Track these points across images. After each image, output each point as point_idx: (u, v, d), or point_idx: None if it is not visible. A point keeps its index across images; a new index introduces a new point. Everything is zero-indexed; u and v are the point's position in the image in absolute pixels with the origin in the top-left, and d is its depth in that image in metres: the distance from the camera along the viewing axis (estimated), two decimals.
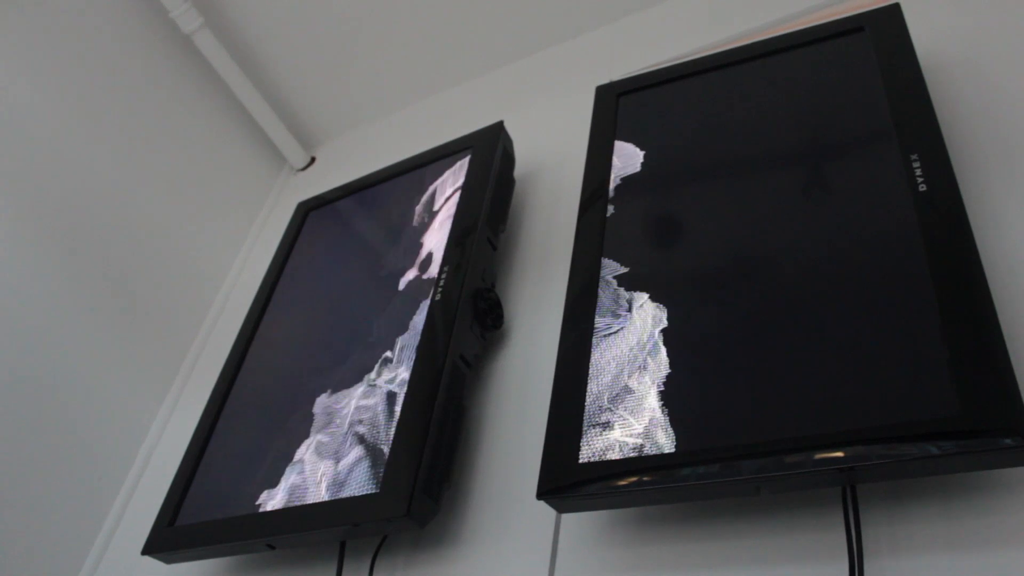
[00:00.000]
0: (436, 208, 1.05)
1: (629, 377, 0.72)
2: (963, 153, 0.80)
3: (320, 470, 0.85)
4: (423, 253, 1.00)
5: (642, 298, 0.78)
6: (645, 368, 0.72)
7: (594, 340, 0.77)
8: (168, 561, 0.93)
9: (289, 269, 1.17)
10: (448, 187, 1.07)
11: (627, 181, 0.90)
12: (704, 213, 0.83)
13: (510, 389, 0.92)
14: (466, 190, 1.03)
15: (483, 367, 0.96)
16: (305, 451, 0.88)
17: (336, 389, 0.92)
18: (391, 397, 0.86)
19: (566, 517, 0.77)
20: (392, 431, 0.82)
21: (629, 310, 0.77)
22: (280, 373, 1.01)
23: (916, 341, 0.61)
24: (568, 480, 0.68)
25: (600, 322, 0.78)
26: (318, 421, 0.90)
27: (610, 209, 0.88)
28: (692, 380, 0.69)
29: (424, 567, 0.82)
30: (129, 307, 1.30)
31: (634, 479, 0.65)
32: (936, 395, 0.58)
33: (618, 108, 1.00)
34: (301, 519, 0.81)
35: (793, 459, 0.60)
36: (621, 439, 0.68)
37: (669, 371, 0.71)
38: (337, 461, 0.84)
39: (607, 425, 0.70)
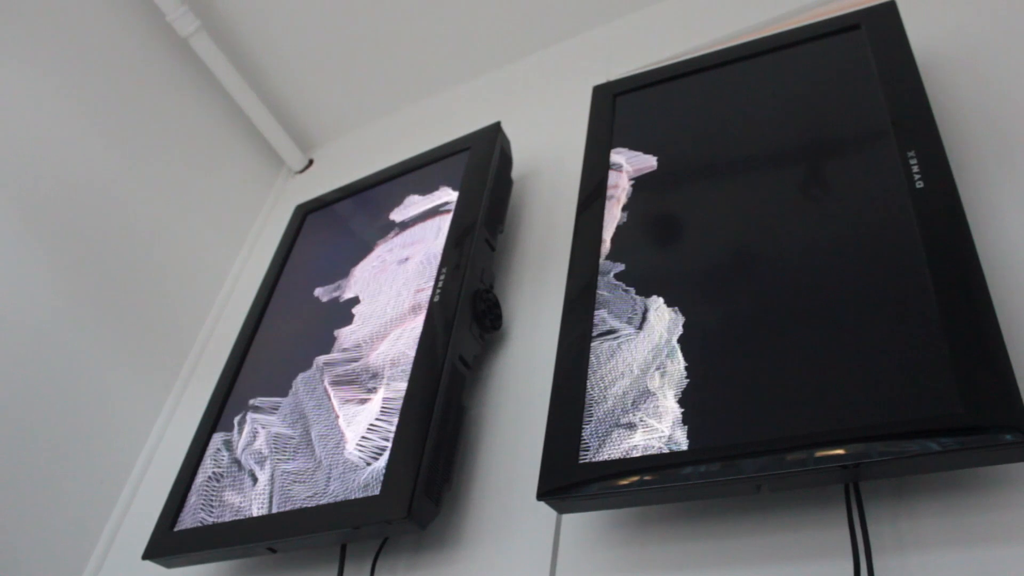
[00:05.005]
0: (434, 209, 1.05)
1: (625, 377, 0.72)
2: (960, 149, 0.80)
3: (320, 472, 0.84)
4: (421, 254, 1.00)
5: (651, 302, 0.78)
6: (644, 368, 0.72)
7: (594, 340, 0.77)
8: (169, 565, 0.93)
9: (288, 271, 1.17)
10: (446, 188, 1.07)
11: (623, 182, 0.90)
12: (701, 213, 0.83)
13: (509, 390, 0.92)
14: (464, 191, 1.03)
15: (482, 368, 0.96)
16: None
17: (335, 391, 0.92)
18: (390, 399, 0.86)
19: (567, 517, 0.77)
20: (392, 433, 0.82)
21: (642, 317, 0.77)
22: (279, 375, 1.01)
23: (915, 338, 0.61)
24: (568, 480, 0.68)
25: (602, 325, 0.78)
26: (317, 423, 0.90)
27: (608, 209, 0.88)
28: (692, 379, 0.69)
29: (425, 569, 0.82)
30: (129, 311, 1.30)
31: (634, 479, 0.65)
32: (936, 392, 0.58)
33: (615, 108, 1.00)
34: (302, 522, 0.81)
35: (794, 457, 0.60)
36: (621, 439, 0.68)
37: (669, 371, 0.71)
38: (337, 463, 0.84)
39: (608, 425, 0.70)
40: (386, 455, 0.81)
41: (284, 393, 0.98)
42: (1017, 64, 0.86)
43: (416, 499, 0.75)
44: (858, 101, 0.81)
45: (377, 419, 0.86)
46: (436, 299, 0.91)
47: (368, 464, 0.82)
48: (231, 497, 0.90)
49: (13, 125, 1.22)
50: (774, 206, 0.78)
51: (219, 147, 1.57)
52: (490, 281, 0.98)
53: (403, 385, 0.86)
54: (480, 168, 1.05)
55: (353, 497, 0.80)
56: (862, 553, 0.60)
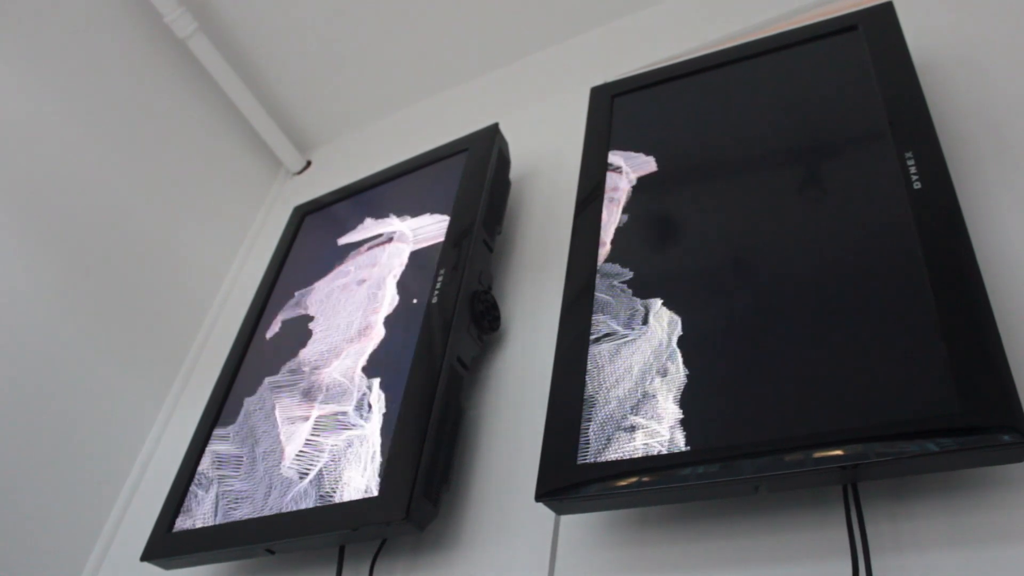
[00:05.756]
0: (432, 211, 1.05)
1: (624, 379, 0.72)
2: (957, 150, 0.80)
3: (318, 473, 0.84)
4: (419, 256, 1.00)
5: (651, 304, 0.78)
6: (644, 370, 0.72)
7: (593, 341, 0.77)
8: (167, 567, 0.93)
9: (286, 273, 1.17)
10: (444, 189, 1.07)
11: (621, 183, 0.91)
12: (699, 215, 0.83)
13: (508, 391, 0.92)
14: (462, 192, 1.03)
15: (480, 369, 0.96)
16: (303, 454, 0.88)
17: (333, 392, 0.92)
18: (389, 400, 0.86)
19: (565, 518, 0.77)
20: (390, 434, 0.82)
21: (641, 319, 0.78)
22: (277, 376, 1.01)
23: (913, 339, 0.61)
24: (567, 482, 0.68)
25: (601, 326, 0.78)
26: (315, 424, 0.90)
27: (607, 210, 0.88)
28: (691, 381, 0.69)
29: (424, 570, 0.82)
30: (127, 312, 1.30)
31: (633, 480, 0.65)
32: (934, 392, 0.58)
33: (613, 109, 1.00)
34: (300, 523, 0.81)
35: (792, 458, 0.60)
36: (620, 440, 0.68)
37: (669, 373, 0.71)
38: (335, 464, 0.84)
39: (607, 426, 0.70)
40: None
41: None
42: (1015, 65, 0.86)
43: (414, 501, 0.75)
44: (856, 102, 0.81)
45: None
46: (434, 300, 0.91)
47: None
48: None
49: (10, 126, 1.22)
50: (772, 207, 0.78)
51: (217, 148, 1.57)
52: (488, 282, 0.98)
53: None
54: (478, 169, 1.05)
55: (351, 498, 0.80)
56: (860, 554, 0.60)
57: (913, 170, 0.71)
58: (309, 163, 1.69)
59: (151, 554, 0.91)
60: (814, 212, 0.76)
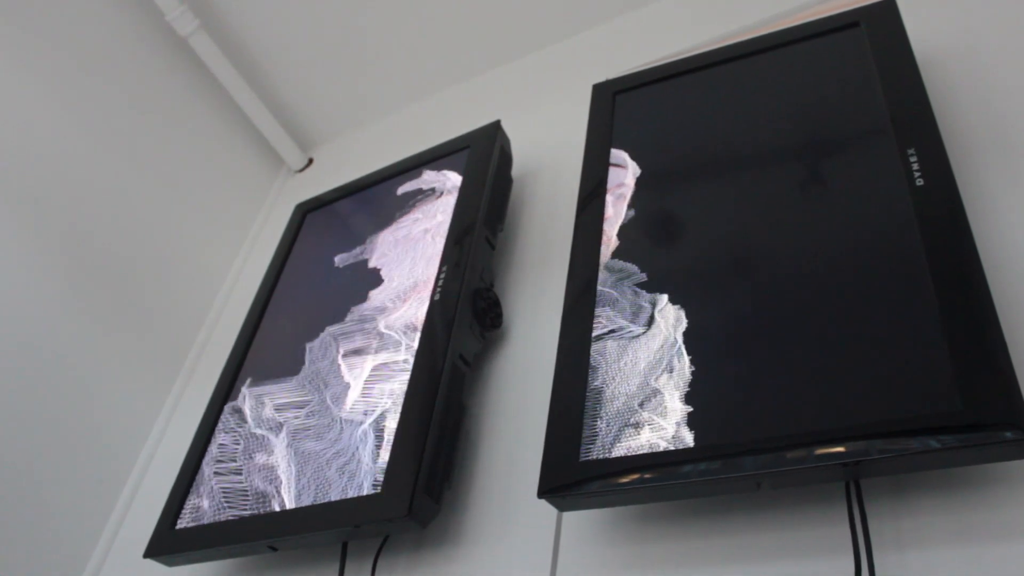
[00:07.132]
0: (434, 208, 1.05)
1: (627, 375, 0.72)
2: (960, 147, 0.80)
3: (321, 471, 0.85)
4: (421, 253, 1.00)
5: (655, 300, 0.78)
6: (648, 366, 0.72)
7: (595, 338, 0.77)
8: (170, 564, 0.93)
9: (288, 271, 1.17)
10: (446, 186, 1.07)
11: (624, 179, 0.91)
12: (701, 211, 0.83)
13: (510, 388, 0.92)
14: (464, 189, 1.03)
15: (483, 366, 0.96)
16: (306, 451, 0.88)
17: (335, 390, 0.92)
18: (391, 398, 0.86)
19: (568, 515, 0.77)
20: (392, 432, 0.82)
21: (645, 315, 0.78)
22: (279, 374, 1.01)
23: (916, 336, 0.61)
24: (569, 478, 0.68)
25: (604, 323, 0.78)
26: (318, 422, 0.90)
27: (609, 207, 0.88)
28: (692, 378, 0.69)
29: (426, 567, 0.82)
30: (129, 310, 1.30)
31: (635, 476, 0.65)
32: (936, 389, 0.58)
33: (615, 106, 1.00)
34: (303, 520, 0.82)
35: (795, 454, 0.60)
36: (622, 437, 0.68)
37: (675, 369, 0.71)
38: (338, 462, 0.84)
39: (609, 423, 0.70)
40: (387, 446, 0.81)
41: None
42: (1017, 61, 0.86)
43: (417, 497, 0.75)
44: (858, 99, 0.81)
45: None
46: (436, 297, 0.91)
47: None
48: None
49: (11, 125, 1.22)
50: (774, 204, 0.78)
51: (219, 146, 1.57)
52: (490, 279, 0.98)
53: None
54: (480, 166, 1.05)
55: (354, 495, 0.80)
56: (863, 550, 0.60)
57: (916, 167, 0.71)
58: (311, 161, 1.69)
59: (154, 551, 0.91)
60: (817, 209, 0.76)
